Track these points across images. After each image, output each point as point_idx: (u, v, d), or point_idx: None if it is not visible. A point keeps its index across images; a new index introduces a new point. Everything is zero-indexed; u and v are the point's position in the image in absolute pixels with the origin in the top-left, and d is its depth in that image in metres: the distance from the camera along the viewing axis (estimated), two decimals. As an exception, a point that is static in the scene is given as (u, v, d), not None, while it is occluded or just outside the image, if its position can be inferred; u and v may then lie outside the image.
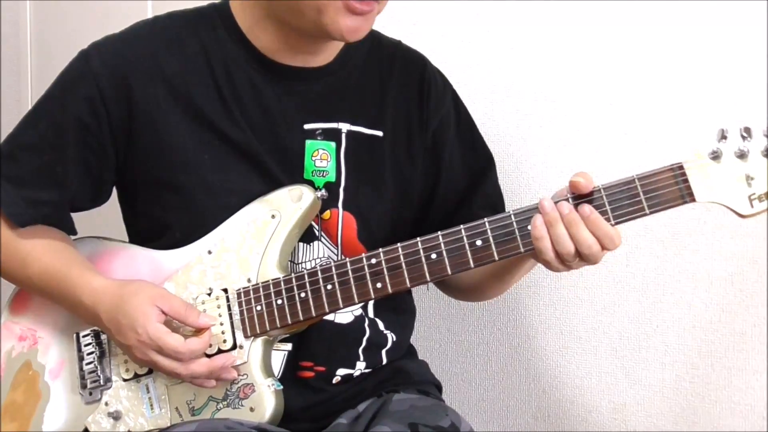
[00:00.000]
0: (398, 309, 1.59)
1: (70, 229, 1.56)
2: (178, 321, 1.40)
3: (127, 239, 1.57)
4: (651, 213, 1.29)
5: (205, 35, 1.49)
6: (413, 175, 1.56)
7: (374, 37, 1.60)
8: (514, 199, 1.84)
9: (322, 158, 1.49)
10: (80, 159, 1.48)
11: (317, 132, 1.49)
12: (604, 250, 1.31)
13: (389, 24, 1.64)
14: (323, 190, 1.48)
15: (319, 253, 1.49)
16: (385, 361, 1.56)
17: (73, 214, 1.57)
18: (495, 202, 1.61)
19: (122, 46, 1.48)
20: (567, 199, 1.31)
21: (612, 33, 1.77)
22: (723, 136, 1.28)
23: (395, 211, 1.54)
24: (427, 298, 1.94)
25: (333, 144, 1.50)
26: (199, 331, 1.40)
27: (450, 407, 1.51)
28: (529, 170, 1.85)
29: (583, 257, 1.31)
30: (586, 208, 1.30)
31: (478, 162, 1.63)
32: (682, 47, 1.71)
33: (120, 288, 1.42)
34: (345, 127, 1.51)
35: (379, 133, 1.53)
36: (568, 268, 1.34)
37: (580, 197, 1.31)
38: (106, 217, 1.65)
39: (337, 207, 1.50)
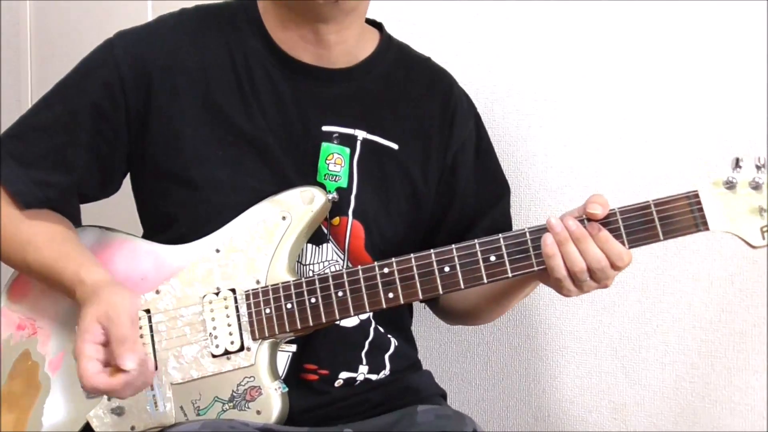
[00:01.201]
0: (397, 318, 1.59)
1: (75, 217, 1.54)
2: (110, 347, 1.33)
3: (137, 230, 1.56)
4: (665, 239, 1.31)
5: (229, 30, 1.50)
6: (426, 193, 1.56)
7: (402, 49, 1.61)
8: (514, 199, 1.83)
9: (336, 162, 1.49)
10: (92, 145, 1.48)
11: (334, 135, 1.49)
12: (615, 270, 1.32)
13: (389, 24, 1.64)
14: (334, 193, 1.48)
15: (327, 256, 1.49)
16: (388, 366, 1.56)
17: (85, 204, 1.56)
18: (502, 230, 1.59)
19: (146, 37, 1.49)
20: (582, 219, 1.32)
21: (612, 33, 1.77)
22: (737, 165, 1.29)
23: (404, 225, 1.54)
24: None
25: (347, 150, 1.49)
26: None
27: (466, 414, 1.51)
28: (529, 170, 1.85)
29: (594, 275, 1.32)
30: (595, 226, 1.31)
31: (494, 190, 1.63)
32: (682, 47, 1.71)
33: (98, 291, 1.37)
34: (361, 134, 1.51)
35: (394, 146, 1.53)
36: (579, 289, 1.35)
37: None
38: (119, 207, 1.64)
39: (347, 215, 1.49)
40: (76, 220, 1.54)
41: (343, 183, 1.49)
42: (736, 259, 1.70)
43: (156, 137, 1.47)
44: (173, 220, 1.48)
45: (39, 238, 1.47)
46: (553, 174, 1.83)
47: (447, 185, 1.58)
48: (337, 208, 1.48)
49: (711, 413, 1.74)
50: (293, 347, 1.48)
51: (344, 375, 1.51)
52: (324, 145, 1.49)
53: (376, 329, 1.54)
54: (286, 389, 1.42)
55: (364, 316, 1.52)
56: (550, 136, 1.83)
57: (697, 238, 1.71)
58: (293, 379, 1.47)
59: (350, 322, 1.50)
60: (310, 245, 1.48)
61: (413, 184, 1.54)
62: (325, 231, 1.49)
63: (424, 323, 1.94)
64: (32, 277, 1.51)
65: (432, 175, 1.56)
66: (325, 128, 1.49)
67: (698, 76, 1.70)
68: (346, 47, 1.51)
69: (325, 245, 1.49)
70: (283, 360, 1.47)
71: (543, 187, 1.84)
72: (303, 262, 1.48)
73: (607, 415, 1.82)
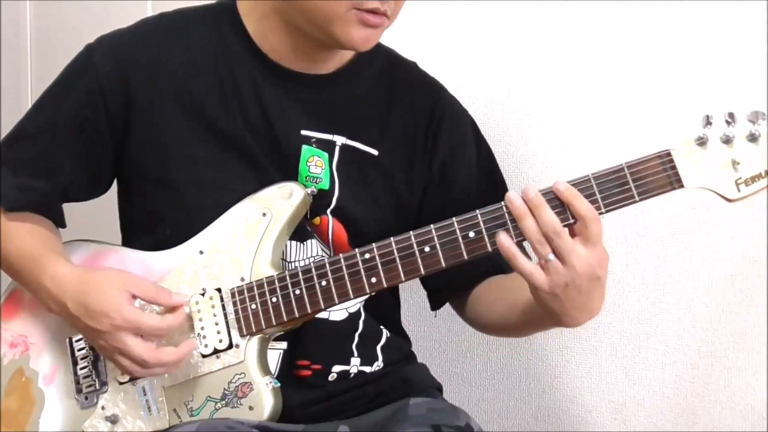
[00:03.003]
0: (385, 310, 1.59)
1: (58, 219, 1.57)
2: (150, 303, 1.42)
3: (107, 237, 1.57)
4: (640, 200, 1.30)
5: (211, 32, 1.50)
6: (410, 199, 1.55)
7: (389, 55, 1.60)
8: (514, 199, 1.84)
9: (317, 165, 1.49)
10: (76, 149, 1.49)
11: (312, 140, 1.49)
12: (582, 239, 1.28)
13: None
14: (313, 187, 1.48)
15: (312, 252, 1.49)
16: (380, 357, 1.55)
17: (68, 215, 1.57)
18: None
19: (125, 40, 1.50)
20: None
21: (612, 33, 1.77)
22: (708, 122, 1.28)
23: (387, 230, 1.50)
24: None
25: (326, 154, 1.50)
26: (171, 310, 1.42)
27: (460, 408, 1.52)
28: (529, 170, 1.85)
29: (552, 243, 1.29)
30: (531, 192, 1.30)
31: (495, 198, 1.61)
32: (683, 48, 1.71)
33: (86, 274, 1.44)
34: (340, 140, 1.50)
35: (375, 152, 1.52)
36: (548, 275, 1.29)
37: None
38: (102, 218, 1.65)
39: (326, 214, 1.49)
40: (59, 223, 1.57)
41: (325, 185, 1.49)
42: (736, 259, 1.70)
43: (138, 139, 1.48)
44: (158, 221, 1.49)
45: (23, 229, 1.51)
46: (553, 174, 1.82)
47: (436, 194, 1.56)
48: (316, 208, 1.48)
49: (711, 413, 1.74)
50: (283, 344, 1.48)
51: (337, 368, 1.51)
52: (305, 147, 1.49)
53: (365, 321, 1.54)
54: (278, 384, 1.42)
55: (353, 309, 1.52)
56: (550, 136, 1.83)
57: (697, 237, 1.71)
58: (287, 376, 1.47)
59: (339, 315, 1.51)
60: (294, 242, 1.48)
61: (395, 189, 1.53)
62: (309, 228, 1.49)
63: (424, 322, 1.94)
64: (10, 271, 1.53)
65: (416, 181, 1.55)
66: (304, 132, 1.49)
67: (701, 77, 1.70)
68: (337, 57, 1.51)
69: (309, 241, 1.49)
70: (275, 357, 1.47)
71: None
72: (288, 260, 1.48)
73: (607, 415, 1.82)
